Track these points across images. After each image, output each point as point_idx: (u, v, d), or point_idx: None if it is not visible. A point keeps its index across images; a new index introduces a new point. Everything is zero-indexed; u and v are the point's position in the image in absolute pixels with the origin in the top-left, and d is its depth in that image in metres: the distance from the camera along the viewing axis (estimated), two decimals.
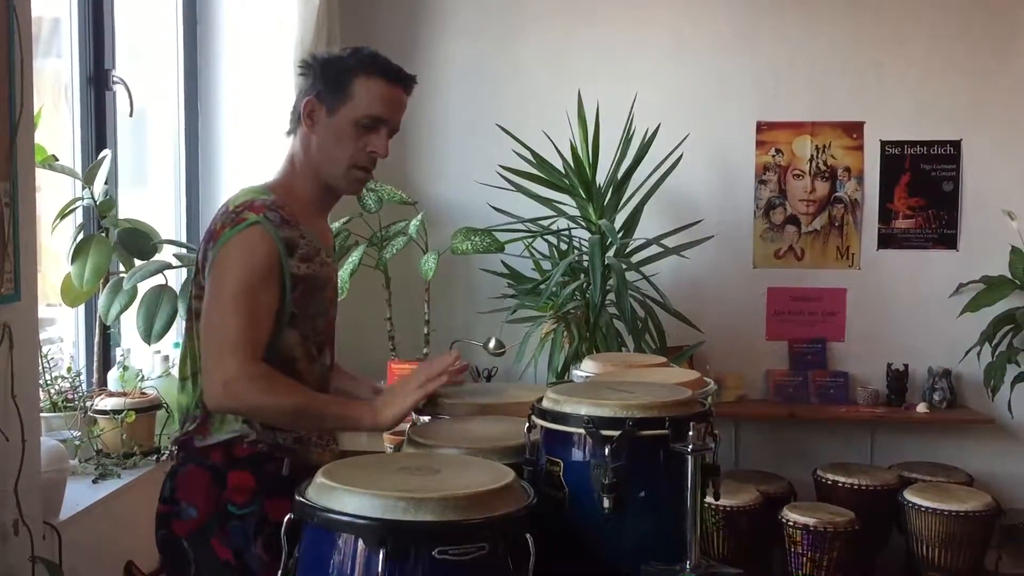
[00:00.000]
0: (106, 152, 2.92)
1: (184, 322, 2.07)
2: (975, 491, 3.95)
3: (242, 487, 1.87)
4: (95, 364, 2.96)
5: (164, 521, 1.91)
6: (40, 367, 2.48)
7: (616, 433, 1.54)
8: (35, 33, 2.27)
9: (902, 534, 3.97)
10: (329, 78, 1.95)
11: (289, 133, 2.02)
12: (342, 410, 1.90)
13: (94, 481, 2.62)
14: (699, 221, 4.26)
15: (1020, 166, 4.39)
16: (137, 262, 2.88)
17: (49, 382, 2.68)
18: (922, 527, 3.79)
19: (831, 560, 3.68)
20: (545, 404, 1.67)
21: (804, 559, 3.71)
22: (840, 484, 4.02)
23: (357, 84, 1.93)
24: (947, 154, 4.44)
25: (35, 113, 2.27)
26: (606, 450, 1.53)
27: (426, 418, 2.11)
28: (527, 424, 1.66)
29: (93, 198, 2.83)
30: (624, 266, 3.83)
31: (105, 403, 2.77)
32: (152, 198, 3.62)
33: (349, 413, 1.89)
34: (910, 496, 3.85)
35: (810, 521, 3.69)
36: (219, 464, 1.88)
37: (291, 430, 1.91)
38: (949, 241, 4.47)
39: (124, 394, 2.84)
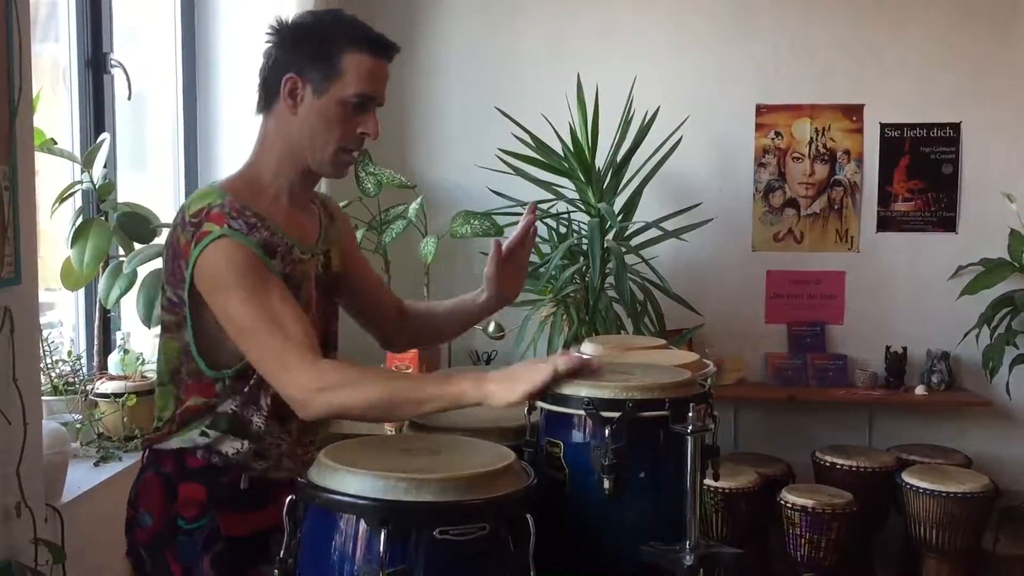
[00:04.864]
0: (105, 136, 2.91)
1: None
2: (973, 473, 3.96)
3: (192, 500, 1.73)
4: (95, 348, 2.97)
5: (128, 526, 1.82)
6: (41, 350, 2.48)
7: (616, 414, 1.54)
8: (33, 16, 2.26)
9: (900, 516, 3.98)
10: (313, 53, 1.72)
11: (260, 111, 1.81)
12: (438, 389, 1.59)
13: (95, 464, 2.63)
14: (698, 204, 4.26)
15: (1019, 149, 4.39)
16: (137, 246, 2.88)
17: (50, 366, 2.69)
18: (920, 509, 3.81)
19: (829, 542, 3.70)
20: None
21: (802, 541, 3.72)
22: (838, 466, 4.04)
23: (347, 59, 1.71)
24: (946, 136, 4.44)
25: (34, 97, 2.26)
26: (606, 431, 1.53)
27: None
28: (527, 406, 1.67)
29: (92, 182, 2.83)
30: (623, 249, 3.83)
31: (106, 387, 2.78)
32: (151, 182, 3.62)
33: (448, 391, 1.58)
34: (908, 478, 3.86)
35: (808, 503, 3.71)
36: (170, 474, 1.76)
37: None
38: (948, 224, 4.47)
39: (125, 377, 2.84)
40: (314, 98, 1.73)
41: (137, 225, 2.89)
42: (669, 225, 4.06)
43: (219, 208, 1.69)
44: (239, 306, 1.64)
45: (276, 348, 1.62)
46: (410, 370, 3.81)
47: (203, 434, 1.75)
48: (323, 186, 4.04)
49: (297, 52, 1.74)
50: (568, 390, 1.62)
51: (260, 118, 1.83)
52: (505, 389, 1.55)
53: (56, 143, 2.73)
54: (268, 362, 1.64)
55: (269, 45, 1.79)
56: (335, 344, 1.96)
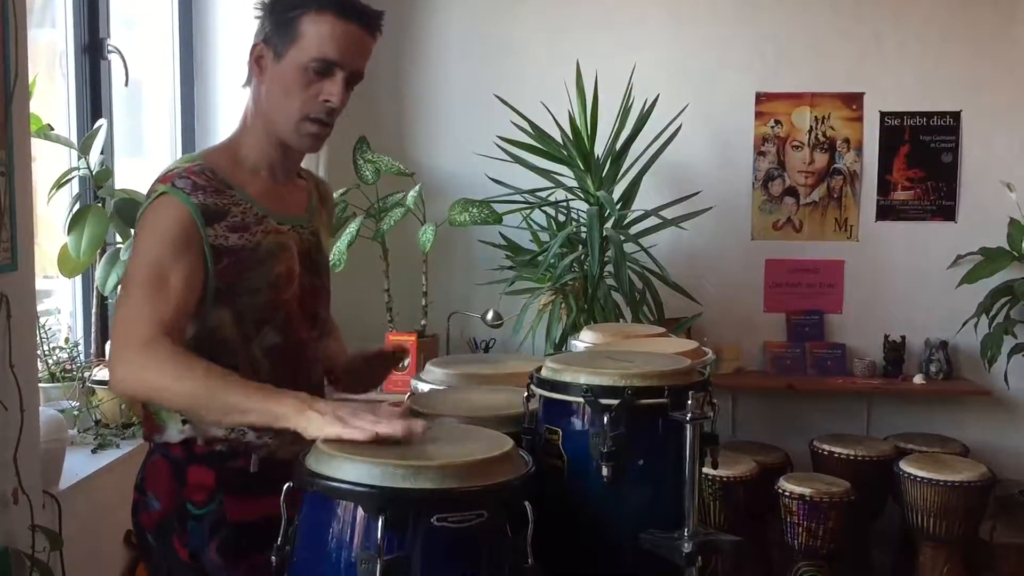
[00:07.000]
0: (102, 122, 2.90)
1: None
2: (970, 462, 3.96)
3: (201, 485, 1.72)
4: (93, 335, 2.96)
5: (135, 510, 1.81)
6: (38, 337, 2.47)
7: (615, 402, 1.54)
8: (29, 2, 2.25)
9: (897, 504, 3.99)
10: (276, 18, 1.72)
11: (245, 85, 1.81)
12: (262, 404, 1.51)
13: (93, 451, 2.63)
14: (697, 192, 4.25)
15: (1019, 137, 4.38)
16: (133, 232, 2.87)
17: (47, 353, 2.68)
18: (917, 497, 3.81)
19: (827, 530, 3.70)
20: (544, 373, 1.67)
21: (800, 529, 3.73)
22: (836, 455, 4.04)
23: (305, 22, 1.69)
24: (947, 125, 4.43)
25: (30, 82, 2.25)
26: (605, 419, 1.53)
27: (426, 387, 2.11)
28: (526, 393, 1.66)
29: (89, 168, 2.82)
30: (622, 238, 3.82)
31: (103, 374, 2.77)
32: (148, 168, 3.59)
33: (271, 408, 1.50)
34: (906, 467, 3.87)
35: (806, 491, 3.71)
36: (180, 458, 1.73)
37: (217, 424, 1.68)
38: (948, 213, 4.46)
39: None
40: (274, 63, 1.72)
41: (134, 211, 2.85)
42: (668, 213, 4.05)
43: (176, 170, 1.70)
44: (141, 260, 1.64)
45: (133, 318, 1.60)
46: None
47: (187, 423, 1.72)
48: (321, 173, 4.04)
49: (266, 20, 1.74)
50: (567, 377, 1.61)
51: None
52: (325, 424, 1.43)
53: (53, 129, 2.72)
54: (121, 324, 1.62)
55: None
56: (324, 327, 1.92)
